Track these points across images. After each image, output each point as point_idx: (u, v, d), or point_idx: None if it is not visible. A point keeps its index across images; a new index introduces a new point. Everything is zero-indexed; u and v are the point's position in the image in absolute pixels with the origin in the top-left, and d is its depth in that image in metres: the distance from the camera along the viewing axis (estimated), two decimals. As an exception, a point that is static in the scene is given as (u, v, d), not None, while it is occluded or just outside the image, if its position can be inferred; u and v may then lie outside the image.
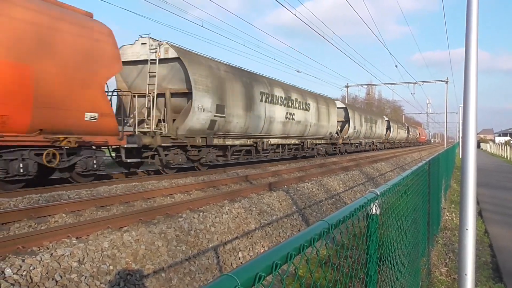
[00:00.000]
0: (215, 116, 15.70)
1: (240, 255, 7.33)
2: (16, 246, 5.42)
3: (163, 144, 13.93)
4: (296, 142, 24.48)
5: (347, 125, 33.55)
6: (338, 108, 31.91)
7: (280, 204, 10.27)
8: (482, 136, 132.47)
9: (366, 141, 39.29)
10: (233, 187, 12.16)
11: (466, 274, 3.51)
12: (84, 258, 5.36)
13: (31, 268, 4.78)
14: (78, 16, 10.97)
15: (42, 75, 9.66)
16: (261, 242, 8.04)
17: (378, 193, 2.33)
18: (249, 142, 19.13)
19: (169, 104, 14.92)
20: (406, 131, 64.59)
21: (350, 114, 33.85)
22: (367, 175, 19.32)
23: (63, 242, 5.82)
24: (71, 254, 5.30)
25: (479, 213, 10.22)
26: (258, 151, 20.04)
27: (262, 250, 7.87)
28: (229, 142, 17.59)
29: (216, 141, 16.48)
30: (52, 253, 5.18)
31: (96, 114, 11.06)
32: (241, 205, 9.06)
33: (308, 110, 24.99)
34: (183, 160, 14.86)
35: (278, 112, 21.11)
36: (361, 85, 57.53)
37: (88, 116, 10.86)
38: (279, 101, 21.23)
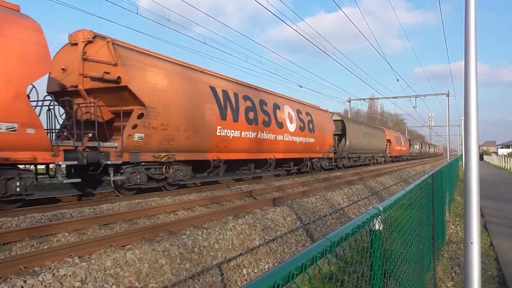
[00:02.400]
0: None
1: (245, 271, 7.26)
2: (18, 266, 5.38)
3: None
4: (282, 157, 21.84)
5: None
6: (334, 120, 30.29)
7: (284, 220, 10.21)
8: (484, 148, 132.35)
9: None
10: (236, 203, 12.11)
11: (472, 289, 3.47)
12: (86, 278, 5.32)
13: (34, 288, 4.74)
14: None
15: None
16: (265, 259, 7.98)
17: (381, 208, 2.31)
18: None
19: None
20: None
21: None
22: (371, 189, 19.25)
23: (65, 262, 5.78)
24: (74, 273, 5.26)
25: (484, 226, 10.14)
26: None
27: (266, 267, 7.81)
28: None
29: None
30: (54, 273, 5.14)
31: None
32: (245, 221, 9.01)
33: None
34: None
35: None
36: (363, 99, 57.70)
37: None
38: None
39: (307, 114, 24.75)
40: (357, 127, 35.47)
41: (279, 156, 21.36)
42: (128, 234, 7.30)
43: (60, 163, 10.45)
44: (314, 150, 25.68)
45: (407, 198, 3.41)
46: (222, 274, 6.89)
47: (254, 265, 7.60)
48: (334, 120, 30.30)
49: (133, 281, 5.70)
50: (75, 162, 10.91)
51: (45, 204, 10.67)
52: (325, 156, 27.59)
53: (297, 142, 22.96)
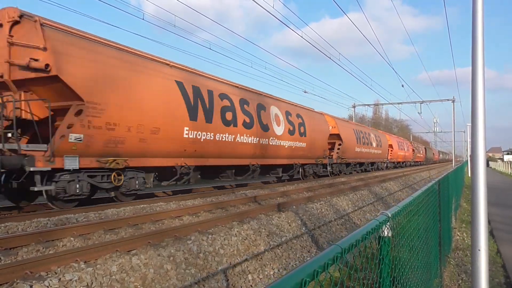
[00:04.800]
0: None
1: (250, 277, 7.24)
2: (24, 271, 5.38)
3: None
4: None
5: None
6: (328, 123, 27.45)
7: (289, 225, 10.19)
8: (490, 154, 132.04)
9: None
10: (241, 208, 12.09)
11: (480, 296, 3.44)
12: (92, 283, 5.32)
13: (40, 293, 4.74)
14: None
15: None
16: (270, 264, 7.95)
17: (390, 215, 2.30)
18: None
19: None
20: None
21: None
22: (376, 194, 19.18)
23: (71, 267, 5.78)
24: (79, 279, 5.27)
25: (491, 233, 10.06)
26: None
27: (272, 272, 7.78)
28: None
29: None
30: (60, 278, 5.15)
31: None
32: (250, 227, 9.00)
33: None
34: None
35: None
36: (368, 105, 57.49)
37: None
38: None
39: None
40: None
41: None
42: (133, 239, 7.30)
43: None
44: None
45: (415, 204, 3.39)
46: (228, 280, 6.88)
47: (259, 270, 7.58)
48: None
49: (139, 286, 5.69)
50: None
51: None
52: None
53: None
